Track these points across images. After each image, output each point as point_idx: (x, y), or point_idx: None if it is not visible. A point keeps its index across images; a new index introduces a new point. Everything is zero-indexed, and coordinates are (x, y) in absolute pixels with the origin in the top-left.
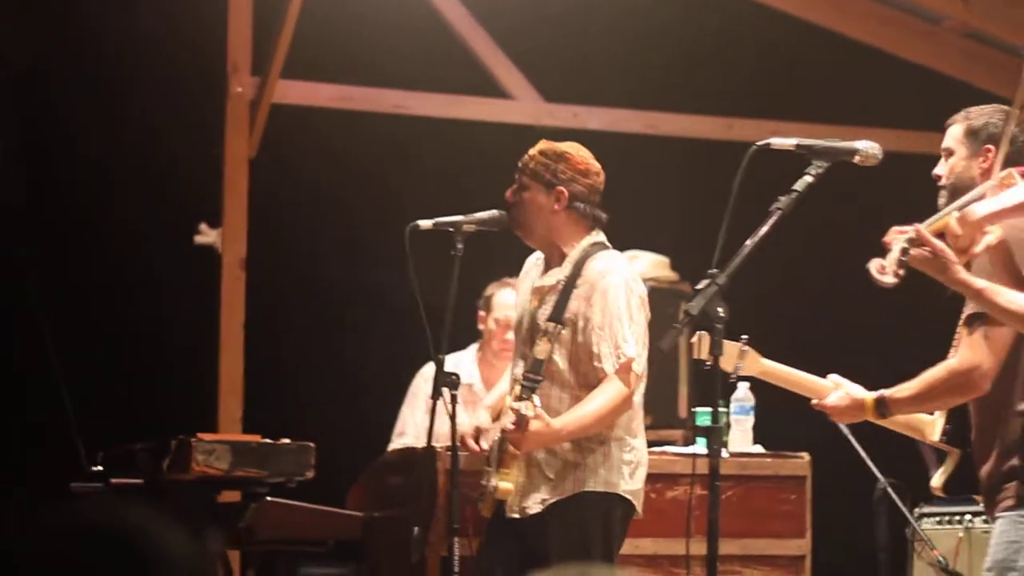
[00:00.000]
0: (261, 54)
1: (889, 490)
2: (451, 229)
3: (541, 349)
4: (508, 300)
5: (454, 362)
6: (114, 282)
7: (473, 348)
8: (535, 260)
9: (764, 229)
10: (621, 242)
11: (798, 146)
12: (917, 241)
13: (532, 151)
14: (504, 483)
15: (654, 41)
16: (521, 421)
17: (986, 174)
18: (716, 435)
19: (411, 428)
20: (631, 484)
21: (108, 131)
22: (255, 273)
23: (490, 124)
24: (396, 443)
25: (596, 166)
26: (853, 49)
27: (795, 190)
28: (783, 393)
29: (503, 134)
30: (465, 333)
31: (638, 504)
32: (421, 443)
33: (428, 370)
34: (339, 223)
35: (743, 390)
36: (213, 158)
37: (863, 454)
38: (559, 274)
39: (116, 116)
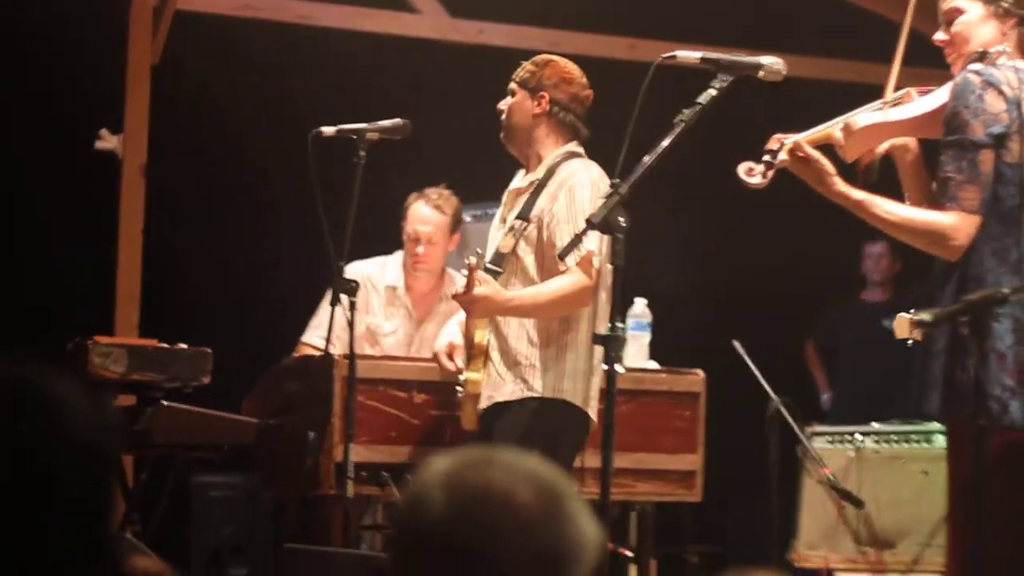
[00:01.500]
0: None
1: (781, 409)
2: (354, 136)
3: (505, 244)
4: (422, 213)
5: (379, 265)
6: (13, 189)
7: (400, 254)
8: (520, 173)
9: (666, 141)
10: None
11: (703, 59)
12: (793, 147)
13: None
14: (471, 374)
15: None
16: (469, 281)
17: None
18: (614, 344)
19: (325, 322)
20: (585, 392)
21: (8, 37)
22: (155, 180)
23: (394, 37)
24: (311, 334)
25: (582, 78)
26: None
27: (698, 103)
28: (680, 310)
29: (407, 48)
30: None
31: (593, 413)
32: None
33: (351, 269)
34: (240, 132)
35: (640, 306)
36: (116, 65)
37: (757, 373)
38: (532, 176)
39: (17, 23)
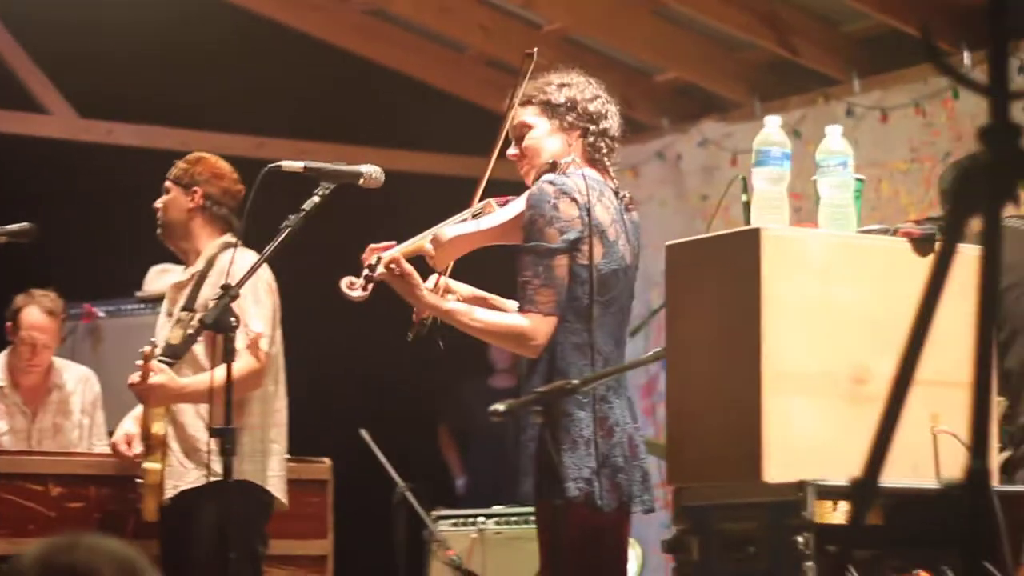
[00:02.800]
0: None
1: (407, 494)
2: None
3: (174, 335)
4: (37, 319)
5: None
6: None
7: (3, 354)
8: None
9: (273, 244)
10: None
11: (306, 168)
12: (389, 262)
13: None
14: (150, 464)
15: (187, 60)
16: (143, 370)
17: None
18: (229, 436)
19: None
20: (265, 472)
21: None
22: None
23: (27, 138)
24: None
25: (233, 174)
26: (383, 74)
27: (303, 209)
28: (308, 401)
29: (40, 148)
30: None
31: (278, 492)
32: None
33: None
34: None
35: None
36: None
37: (383, 461)
38: (193, 269)
39: None
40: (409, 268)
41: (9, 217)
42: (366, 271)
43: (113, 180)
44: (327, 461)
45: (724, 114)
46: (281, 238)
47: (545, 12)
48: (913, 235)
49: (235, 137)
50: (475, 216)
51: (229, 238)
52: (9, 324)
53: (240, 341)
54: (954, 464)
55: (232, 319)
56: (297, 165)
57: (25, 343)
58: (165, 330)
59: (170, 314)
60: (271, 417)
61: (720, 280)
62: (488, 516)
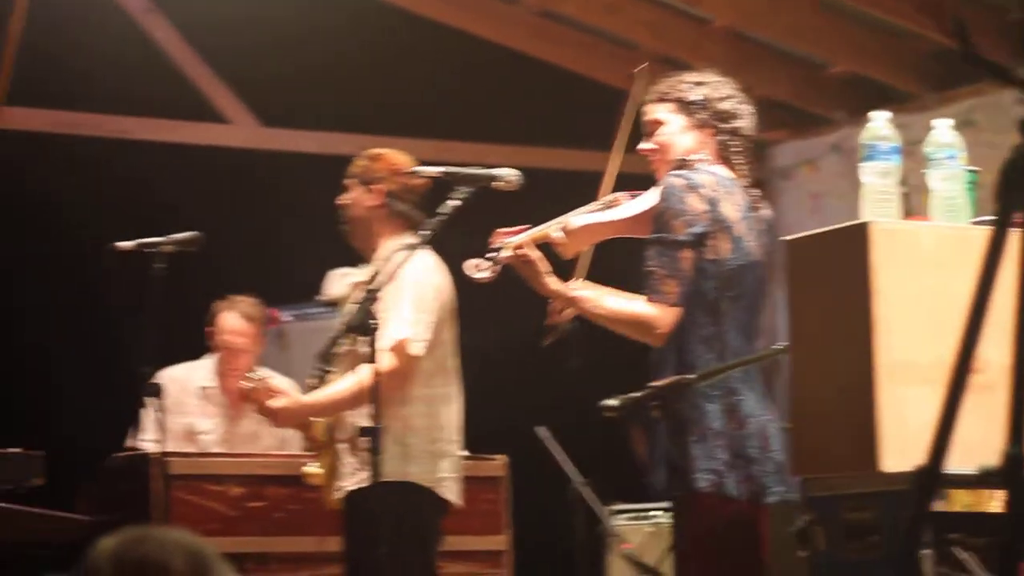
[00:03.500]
0: None
1: (583, 489)
2: (150, 250)
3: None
4: (232, 323)
5: (187, 368)
6: None
7: (210, 357)
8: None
9: (413, 248)
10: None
11: (444, 173)
12: (516, 246)
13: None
14: (309, 468)
15: (365, 67)
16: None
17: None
18: (376, 435)
19: (150, 425)
20: (434, 473)
21: None
22: None
23: (209, 148)
24: (139, 439)
25: (412, 167)
26: (555, 74)
27: (441, 213)
28: (483, 398)
29: (223, 158)
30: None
31: (448, 493)
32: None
33: (163, 375)
34: (66, 244)
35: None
36: None
37: (560, 456)
38: (372, 268)
39: None
40: (536, 254)
41: (196, 226)
42: (491, 253)
43: (295, 187)
44: (502, 458)
45: (896, 105)
46: (420, 242)
47: (711, 8)
48: None
49: (415, 141)
50: (605, 207)
51: (410, 238)
52: (209, 329)
53: (385, 343)
54: None
55: (372, 322)
56: (435, 170)
57: (223, 347)
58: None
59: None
60: (440, 419)
61: (834, 274)
62: (664, 509)
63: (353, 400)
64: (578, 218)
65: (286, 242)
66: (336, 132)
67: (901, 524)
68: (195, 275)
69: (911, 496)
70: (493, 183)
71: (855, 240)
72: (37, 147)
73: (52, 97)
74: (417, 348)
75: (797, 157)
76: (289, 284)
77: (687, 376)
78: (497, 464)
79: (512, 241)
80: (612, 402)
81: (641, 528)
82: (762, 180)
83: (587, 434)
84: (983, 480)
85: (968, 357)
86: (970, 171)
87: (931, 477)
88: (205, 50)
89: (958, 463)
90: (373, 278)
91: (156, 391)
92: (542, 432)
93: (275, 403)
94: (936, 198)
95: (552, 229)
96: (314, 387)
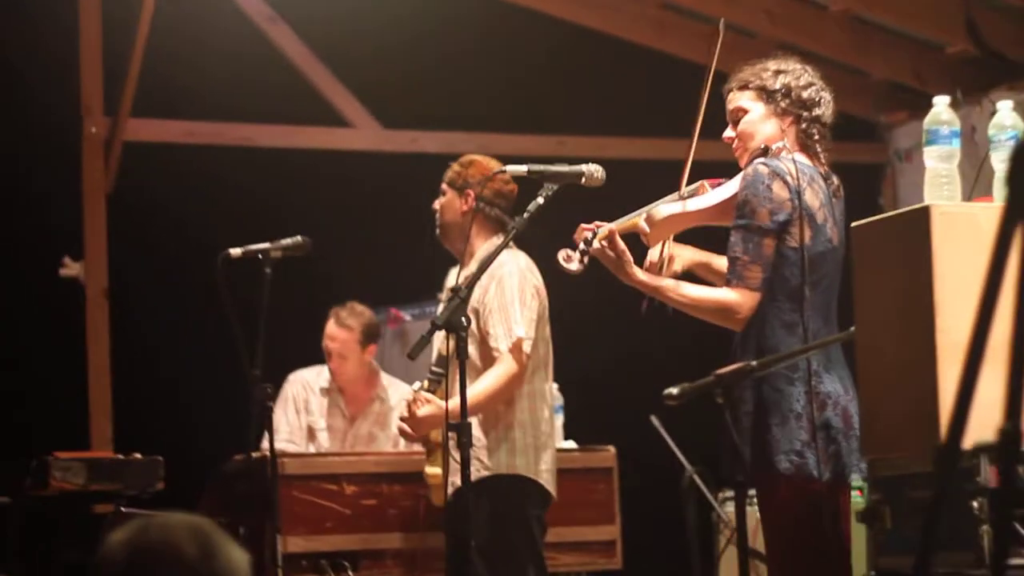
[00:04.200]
0: (113, 94)
1: (695, 477)
2: (259, 256)
3: (445, 344)
4: (330, 330)
5: (316, 371)
6: None
7: None
8: (454, 271)
9: (501, 246)
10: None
11: (530, 171)
12: (604, 236)
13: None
14: (430, 468)
15: (484, 65)
16: (410, 408)
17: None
18: (465, 430)
19: (284, 426)
20: (537, 466)
21: None
22: (118, 301)
23: (333, 152)
24: (276, 440)
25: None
26: (673, 64)
27: (528, 211)
28: (593, 389)
29: (346, 161)
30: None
31: (549, 485)
32: (294, 440)
33: (294, 376)
34: (194, 250)
35: (552, 389)
36: (73, 195)
37: (672, 445)
38: (466, 272)
39: None
40: (622, 245)
41: (322, 229)
42: (582, 245)
43: (416, 187)
44: (612, 449)
45: (1013, 83)
46: (507, 239)
47: None
48: None
49: (535, 138)
50: (688, 196)
51: (502, 238)
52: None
53: (503, 344)
54: None
55: (464, 319)
56: (521, 168)
57: (326, 352)
58: (439, 338)
59: None
60: (540, 413)
61: (898, 257)
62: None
63: (488, 400)
64: (663, 207)
65: (409, 242)
66: (456, 132)
67: (963, 501)
68: (322, 277)
69: (933, 475)
70: (580, 180)
71: (917, 224)
72: (163, 158)
73: (177, 107)
74: (528, 346)
75: (916, 138)
76: (413, 283)
77: (750, 363)
78: (607, 455)
79: (601, 232)
80: (673, 391)
81: (752, 514)
82: (884, 163)
83: (696, 421)
84: None
85: (981, 340)
86: None
87: (950, 455)
88: (326, 56)
89: None
90: (471, 280)
91: (269, 394)
92: (655, 421)
93: (422, 411)
94: (999, 180)
95: (639, 219)
96: (431, 391)
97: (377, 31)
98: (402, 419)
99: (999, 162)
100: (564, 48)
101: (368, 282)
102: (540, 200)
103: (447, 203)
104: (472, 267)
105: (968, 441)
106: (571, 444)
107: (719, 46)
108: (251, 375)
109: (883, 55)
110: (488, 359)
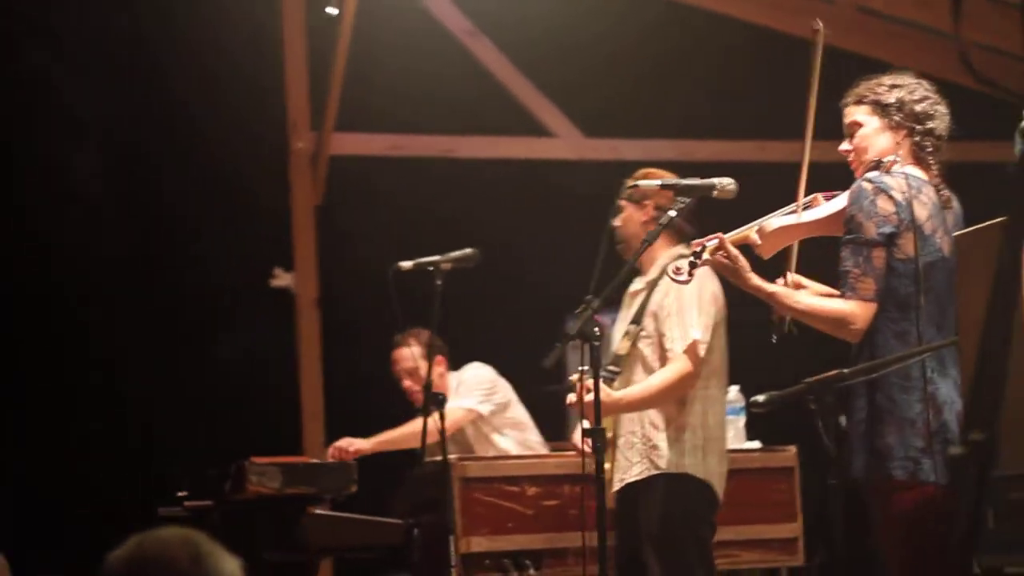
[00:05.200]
0: (319, 110)
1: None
2: (430, 268)
3: (622, 346)
4: (399, 354)
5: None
6: (203, 326)
7: None
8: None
9: (634, 258)
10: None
11: (663, 185)
12: (719, 248)
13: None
14: (607, 464)
15: (684, 71)
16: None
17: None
18: (599, 436)
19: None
20: (705, 467)
21: (194, 193)
22: (329, 310)
23: (535, 161)
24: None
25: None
26: (874, 67)
27: (660, 223)
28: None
29: (548, 170)
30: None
31: (717, 486)
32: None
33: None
34: (401, 259)
35: (734, 392)
36: (283, 208)
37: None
38: (648, 278)
39: (201, 180)
40: (735, 252)
41: (522, 238)
42: (691, 258)
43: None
44: (793, 448)
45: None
46: (641, 251)
47: None
48: None
49: (736, 143)
50: (804, 208)
51: (683, 248)
52: None
53: (679, 346)
54: None
55: (596, 329)
56: (654, 183)
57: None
58: (616, 339)
59: (623, 322)
60: (712, 417)
61: (994, 265)
62: None
63: (658, 397)
64: (774, 220)
65: (611, 249)
66: (657, 139)
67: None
68: (527, 284)
69: (969, 472)
70: (712, 192)
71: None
72: (369, 170)
73: (381, 121)
74: (704, 349)
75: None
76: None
77: (843, 372)
78: (788, 455)
79: (712, 243)
80: (760, 398)
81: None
82: None
83: None
84: None
85: (997, 337)
86: None
87: (988, 451)
88: (527, 67)
89: None
90: (651, 285)
91: (441, 401)
92: (842, 422)
93: (590, 397)
94: None
95: (751, 231)
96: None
97: (576, 42)
98: (569, 404)
99: None
100: (763, 52)
101: (571, 288)
102: (672, 213)
103: (627, 217)
104: (653, 273)
105: None
106: (755, 444)
107: (821, 48)
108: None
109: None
110: (665, 361)
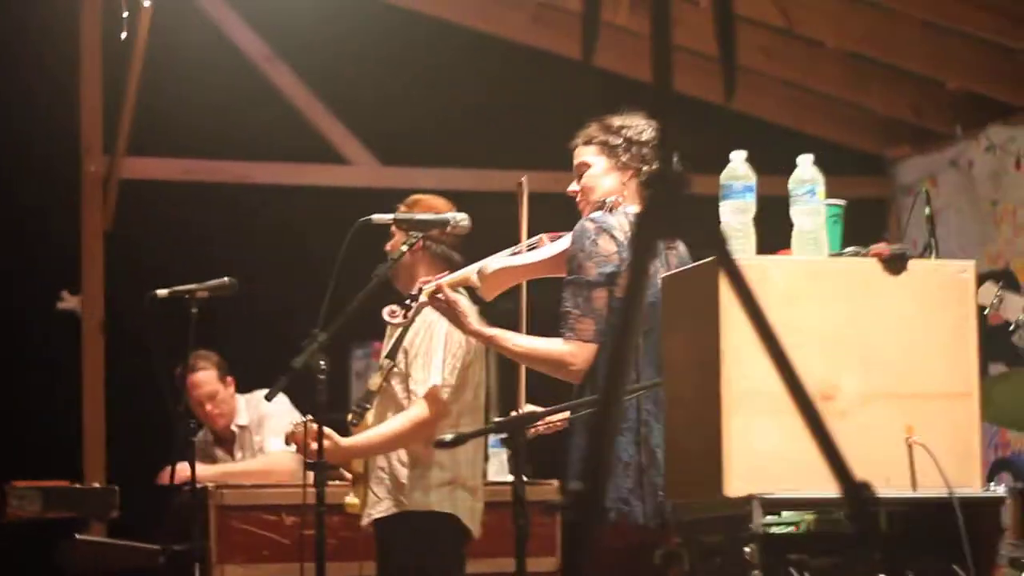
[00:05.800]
0: (112, 133)
1: None
2: (186, 296)
3: (373, 381)
4: (196, 379)
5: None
6: None
7: None
8: None
9: (362, 294)
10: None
11: (395, 220)
12: (433, 291)
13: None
14: (349, 499)
15: (481, 102)
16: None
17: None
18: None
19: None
20: (452, 502)
21: None
22: (114, 334)
23: (331, 189)
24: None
25: (448, 209)
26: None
27: (392, 258)
28: None
29: (343, 198)
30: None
31: (467, 520)
32: None
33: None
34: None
35: None
36: (72, 231)
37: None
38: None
39: None
40: (452, 296)
41: (318, 267)
42: (408, 300)
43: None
44: (556, 482)
45: (1007, 118)
46: (370, 287)
47: (817, 31)
48: (883, 255)
49: (535, 174)
50: (527, 249)
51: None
52: None
53: (420, 389)
54: (929, 475)
55: (322, 362)
56: (387, 217)
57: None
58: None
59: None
60: (462, 453)
61: (692, 309)
62: None
63: (388, 443)
64: (495, 261)
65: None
66: (454, 168)
67: (738, 546)
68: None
69: (568, 521)
70: (446, 228)
71: (708, 276)
72: (160, 194)
73: (174, 146)
74: (447, 393)
75: (919, 173)
76: None
77: (534, 412)
78: (550, 488)
79: (428, 287)
80: (446, 438)
81: None
82: (887, 197)
83: None
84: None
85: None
86: (833, 205)
87: (586, 502)
88: (324, 94)
89: (814, 487)
90: (413, 316)
91: (192, 429)
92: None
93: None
94: (797, 233)
95: (471, 273)
96: (354, 424)
97: (373, 70)
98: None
99: (798, 215)
100: (549, 83)
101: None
102: (404, 248)
103: (395, 244)
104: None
105: (743, 489)
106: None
107: (525, 201)
108: (174, 411)
109: (881, 91)
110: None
